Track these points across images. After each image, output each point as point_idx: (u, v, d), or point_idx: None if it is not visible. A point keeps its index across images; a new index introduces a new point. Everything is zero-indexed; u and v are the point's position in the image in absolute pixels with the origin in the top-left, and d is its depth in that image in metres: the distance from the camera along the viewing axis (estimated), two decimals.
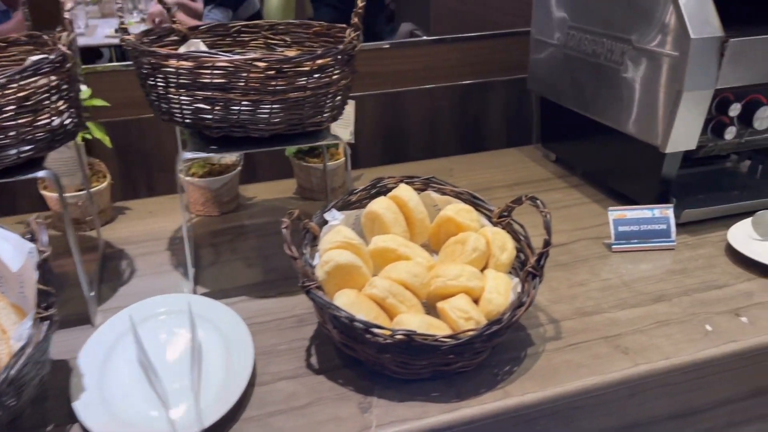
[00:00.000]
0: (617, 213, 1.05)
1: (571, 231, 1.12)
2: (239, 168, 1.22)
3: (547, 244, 0.80)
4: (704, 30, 0.95)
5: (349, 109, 1.29)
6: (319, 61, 0.84)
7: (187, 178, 1.18)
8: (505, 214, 0.89)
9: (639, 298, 0.93)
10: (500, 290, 0.77)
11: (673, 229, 1.05)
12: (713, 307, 0.90)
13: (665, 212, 1.05)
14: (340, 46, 0.86)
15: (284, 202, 1.27)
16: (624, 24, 1.08)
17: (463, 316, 0.74)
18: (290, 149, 1.25)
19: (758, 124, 1.03)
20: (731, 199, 1.14)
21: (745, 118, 1.03)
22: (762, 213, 1.03)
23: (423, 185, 0.94)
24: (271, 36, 1.10)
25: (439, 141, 1.56)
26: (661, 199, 1.10)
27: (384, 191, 0.92)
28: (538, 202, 0.83)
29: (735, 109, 1.01)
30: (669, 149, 1.02)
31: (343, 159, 1.27)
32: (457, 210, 0.87)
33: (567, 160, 1.38)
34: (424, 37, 1.64)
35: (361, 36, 0.90)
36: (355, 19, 0.89)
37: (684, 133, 1.01)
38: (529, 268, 0.79)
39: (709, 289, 0.94)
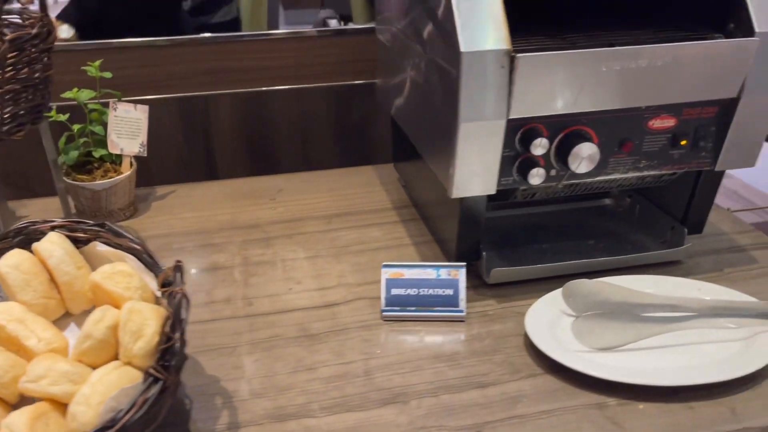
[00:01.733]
0: (392, 271, 0.82)
1: (355, 286, 0.89)
2: None
3: (168, 339, 0.57)
4: (481, 41, 0.70)
5: (140, 116, 1.08)
6: None
7: None
8: (171, 280, 0.67)
9: (370, 396, 0.70)
10: (93, 401, 0.55)
11: (462, 296, 0.81)
12: (456, 418, 0.67)
13: (454, 273, 0.82)
14: None
15: None
16: (420, 23, 0.84)
17: None
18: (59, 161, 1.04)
19: (576, 165, 0.78)
20: (570, 255, 0.90)
21: (562, 157, 0.79)
22: (573, 283, 0.78)
23: (92, 234, 0.72)
24: None
25: (314, 151, 1.34)
26: (469, 253, 0.87)
27: (36, 238, 0.71)
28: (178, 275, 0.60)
29: (541, 146, 0.77)
30: (455, 194, 0.79)
31: (125, 175, 1.06)
32: (109, 273, 0.65)
33: (408, 187, 1.15)
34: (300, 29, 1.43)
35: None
36: None
37: (473, 174, 0.77)
38: (150, 368, 0.57)
39: (470, 387, 0.71)
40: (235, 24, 1.50)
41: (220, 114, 1.31)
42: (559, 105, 0.75)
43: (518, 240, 0.96)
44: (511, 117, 0.74)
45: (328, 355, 0.76)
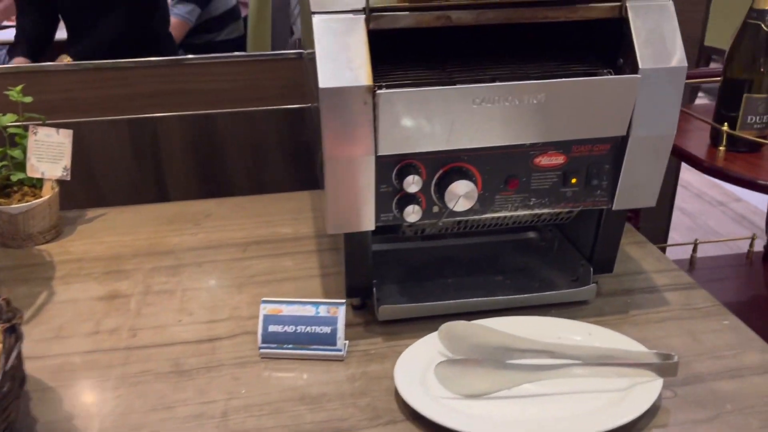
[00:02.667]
0: (271, 307, 0.80)
1: (246, 319, 0.87)
2: None
3: None
4: (341, 76, 0.68)
5: (63, 140, 1.08)
6: None
7: None
8: (10, 316, 0.66)
9: None
10: None
11: (341, 334, 0.79)
12: None
13: (333, 311, 0.79)
14: None
15: None
16: (307, 55, 0.82)
17: None
18: None
19: (453, 204, 0.76)
20: (473, 291, 0.87)
21: (441, 195, 0.76)
22: (449, 326, 0.75)
23: None
24: None
25: (265, 174, 1.33)
26: (359, 289, 0.85)
27: None
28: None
29: (414, 184, 0.74)
30: (330, 230, 0.77)
31: (43, 199, 1.06)
32: None
33: None
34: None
35: None
36: None
37: (348, 210, 0.75)
38: None
39: None
40: (241, 42, 1.51)
41: (170, 136, 1.31)
42: (432, 142, 0.73)
43: (426, 273, 0.94)
44: (380, 154, 0.72)
45: (192, 393, 0.74)
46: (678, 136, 1.22)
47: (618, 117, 0.75)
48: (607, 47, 0.78)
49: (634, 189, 0.80)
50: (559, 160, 0.78)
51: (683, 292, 0.91)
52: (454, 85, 0.72)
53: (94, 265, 1.01)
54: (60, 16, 1.37)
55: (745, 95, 1.12)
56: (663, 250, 1.74)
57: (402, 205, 0.76)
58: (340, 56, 0.69)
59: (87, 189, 1.29)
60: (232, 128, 1.31)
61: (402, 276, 0.93)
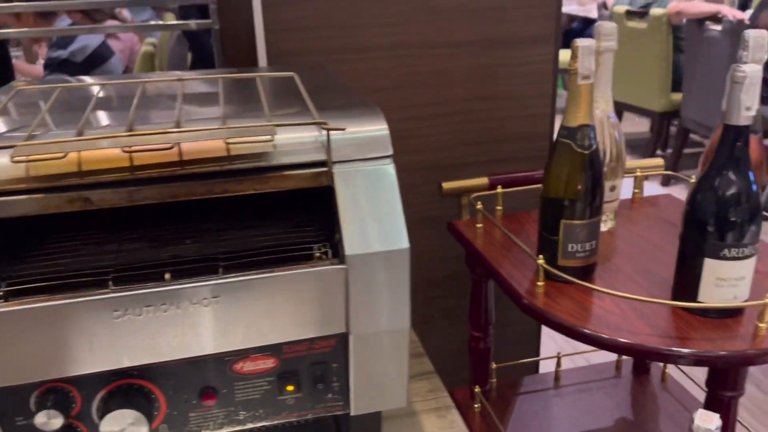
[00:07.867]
0: None
1: None
2: None
3: None
4: None
5: None
6: None
7: None
8: None
9: None
10: None
11: None
12: None
13: None
14: None
15: None
16: None
17: None
18: None
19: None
20: None
21: None
22: None
23: None
24: None
25: None
26: None
27: None
28: None
29: (51, 421, 0.54)
30: None
31: None
32: None
33: None
34: None
35: None
36: None
37: None
38: None
39: None
40: None
41: None
42: (67, 367, 0.54)
43: None
44: None
45: None
46: (503, 255, 1.08)
47: (329, 313, 0.58)
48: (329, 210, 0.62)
49: (375, 389, 0.63)
50: (267, 363, 0.60)
51: None
52: (104, 283, 0.54)
53: None
54: None
55: (562, 222, 0.98)
56: (535, 366, 1.59)
57: None
58: None
59: None
60: None
61: None
